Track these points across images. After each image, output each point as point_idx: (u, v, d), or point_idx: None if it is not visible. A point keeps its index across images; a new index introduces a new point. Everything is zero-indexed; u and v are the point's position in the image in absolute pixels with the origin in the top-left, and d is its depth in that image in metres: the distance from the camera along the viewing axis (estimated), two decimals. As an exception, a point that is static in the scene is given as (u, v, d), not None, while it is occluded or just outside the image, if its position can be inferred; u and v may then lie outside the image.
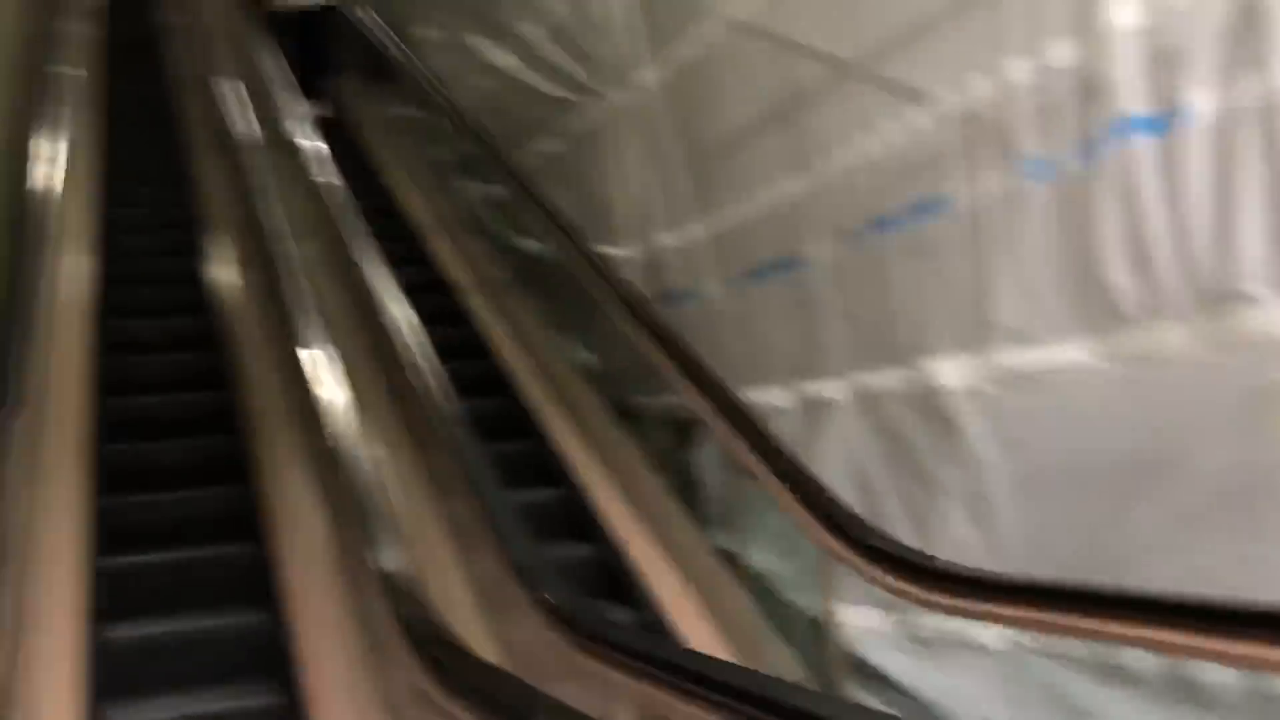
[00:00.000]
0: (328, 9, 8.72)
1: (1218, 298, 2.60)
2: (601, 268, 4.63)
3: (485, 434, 3.76)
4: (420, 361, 4.07)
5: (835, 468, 3.63)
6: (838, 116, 3.67)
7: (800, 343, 3.99)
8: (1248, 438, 2.53)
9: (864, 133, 3.53)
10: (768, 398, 4.07)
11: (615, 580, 3.75)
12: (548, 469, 4.31)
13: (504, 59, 6.20)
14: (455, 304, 5.59)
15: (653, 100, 4.84)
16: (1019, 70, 3.01)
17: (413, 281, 4.99)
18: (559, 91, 5.65)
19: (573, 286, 4.82)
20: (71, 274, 4.74)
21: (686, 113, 4.63)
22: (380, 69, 8.02)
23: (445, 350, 4.24)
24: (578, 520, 4.03)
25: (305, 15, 8.78)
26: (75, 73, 6.13)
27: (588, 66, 5.36)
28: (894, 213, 3.44)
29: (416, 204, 6.71)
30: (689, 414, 4.13)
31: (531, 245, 5.60)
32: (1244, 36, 2.53)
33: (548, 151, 5.85)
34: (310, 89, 7.47)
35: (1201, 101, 2.59)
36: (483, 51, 6.42)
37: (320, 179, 5.57)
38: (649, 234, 4.90)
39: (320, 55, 8.65)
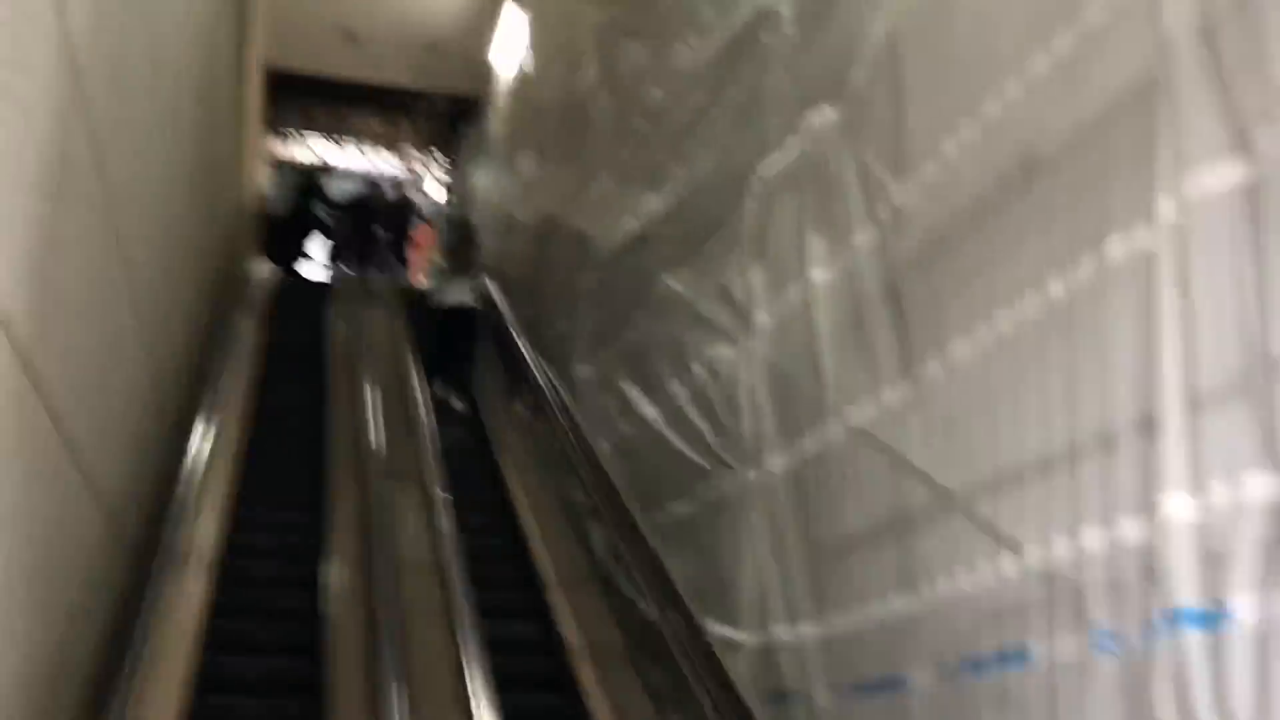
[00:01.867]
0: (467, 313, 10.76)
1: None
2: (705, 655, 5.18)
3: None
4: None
5: None
6: (941, 545, 4.14)
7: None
8: None
9: (964, 568, 3.99)
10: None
11: None
12: None
13: (650, 411, 6.89)
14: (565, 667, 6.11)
15: (779, 487, 5.40)
16: (1094, 539, 3.41)
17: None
18: (695, 455, 6.26)
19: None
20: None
21: (808, 506, 5.15)
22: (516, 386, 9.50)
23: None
24: None
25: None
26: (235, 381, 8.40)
27: (724, 438, 5.97)
28: (984, 657, 3.84)
29: (541, 551, 7.35)
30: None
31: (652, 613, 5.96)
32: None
33: (679, 514, 6.41)
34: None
35: (1244, 608, 3.01)
36: (633, 400, 7.14)
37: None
38: (766, 623, 5.37)
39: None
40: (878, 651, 4.55)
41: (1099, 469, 3.48)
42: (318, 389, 9.01)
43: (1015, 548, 3.80)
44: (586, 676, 5.85)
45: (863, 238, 4.98)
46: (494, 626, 5.89)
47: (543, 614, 6.63)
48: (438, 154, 20.67)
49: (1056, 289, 3.76)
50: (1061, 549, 3.60)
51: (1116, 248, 3.52)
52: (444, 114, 18.55)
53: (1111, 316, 3.52)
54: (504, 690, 5.17)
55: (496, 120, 14.61)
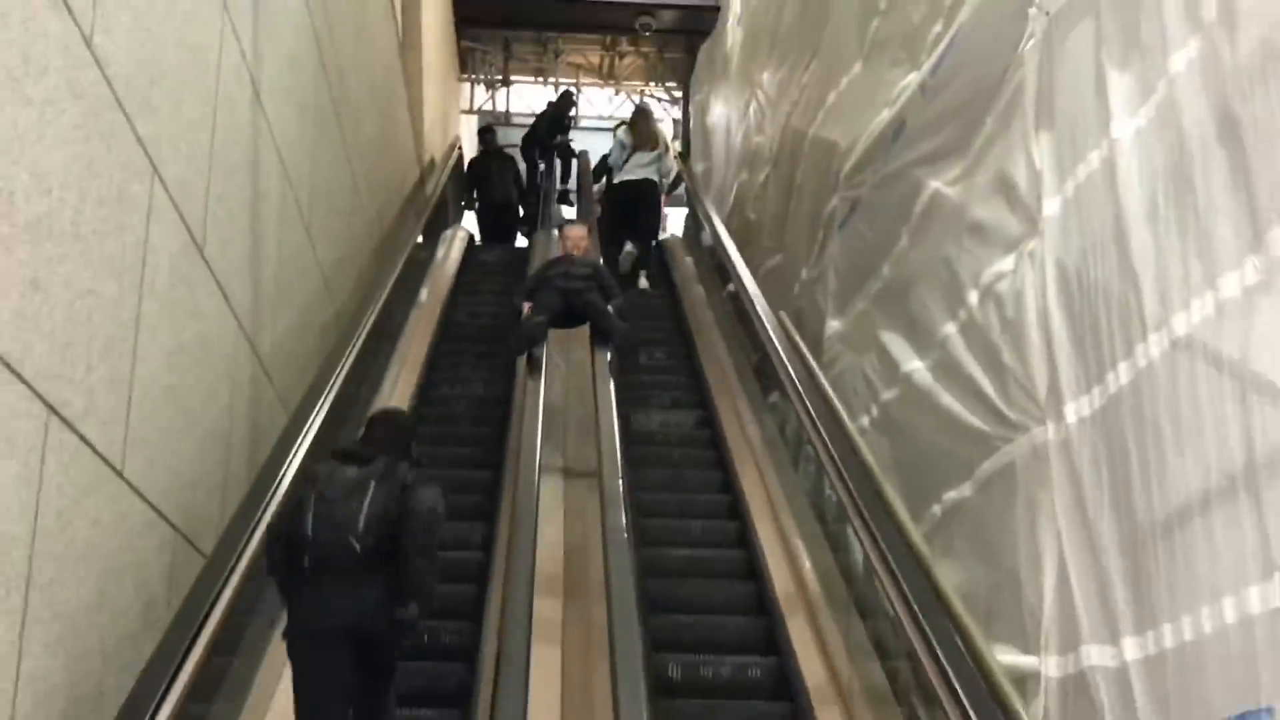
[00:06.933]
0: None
1: None
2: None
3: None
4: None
5: None
6: None
7: None
8: None
9: None
10: None
11: None
12: None
13: (916, 365, 6.28)
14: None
15: (1082, 444, 4.61)
16: None
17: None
18: (972, 417, 5.52)
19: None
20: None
21: (1123, 467, 4.32)
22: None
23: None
24: None
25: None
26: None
27: (1008, 387, 5.22)
28: None
29: (782, 562, 6.81)
30: None
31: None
32: None
33: (953, 502, 5.68)
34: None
35: None
36: (895, 355, 6.56)
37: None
38: (1073, 644, 4.54)
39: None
40: (1230, 673, 3.62)
41: None
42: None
43: None
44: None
45: (1183, 56, 4.12)
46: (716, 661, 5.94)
47: (775, 647, 6.09)
48: (669, 88, 20.41)
49: None
50: None
51: None
52: (675, 31, 18.08)
53: None
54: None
55: (732, 31, 14.00)
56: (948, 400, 5.77)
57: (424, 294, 10.82)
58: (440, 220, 12.92)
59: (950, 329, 5.85)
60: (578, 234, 9.13)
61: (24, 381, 3.46)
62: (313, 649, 4.61)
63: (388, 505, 4.66)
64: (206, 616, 4.48)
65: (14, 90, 3.37)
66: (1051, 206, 5.00)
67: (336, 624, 4.57)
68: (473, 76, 20.53)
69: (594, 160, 14.64)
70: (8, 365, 3.35)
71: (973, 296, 5.63)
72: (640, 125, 12.82)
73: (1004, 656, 4.68)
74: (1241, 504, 3.61)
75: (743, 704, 5.67)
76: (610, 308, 8.56)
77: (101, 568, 4.13)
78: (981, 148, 5.75)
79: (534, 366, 8.27)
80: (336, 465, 4.84)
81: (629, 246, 12.96)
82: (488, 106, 21.60)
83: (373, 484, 4.70)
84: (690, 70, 17.99)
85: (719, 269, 11.29)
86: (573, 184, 16.53)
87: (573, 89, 19.16)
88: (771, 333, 8.16)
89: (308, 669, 4.63)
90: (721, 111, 14.28)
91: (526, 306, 8.51)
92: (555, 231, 11.96)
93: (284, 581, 4.72)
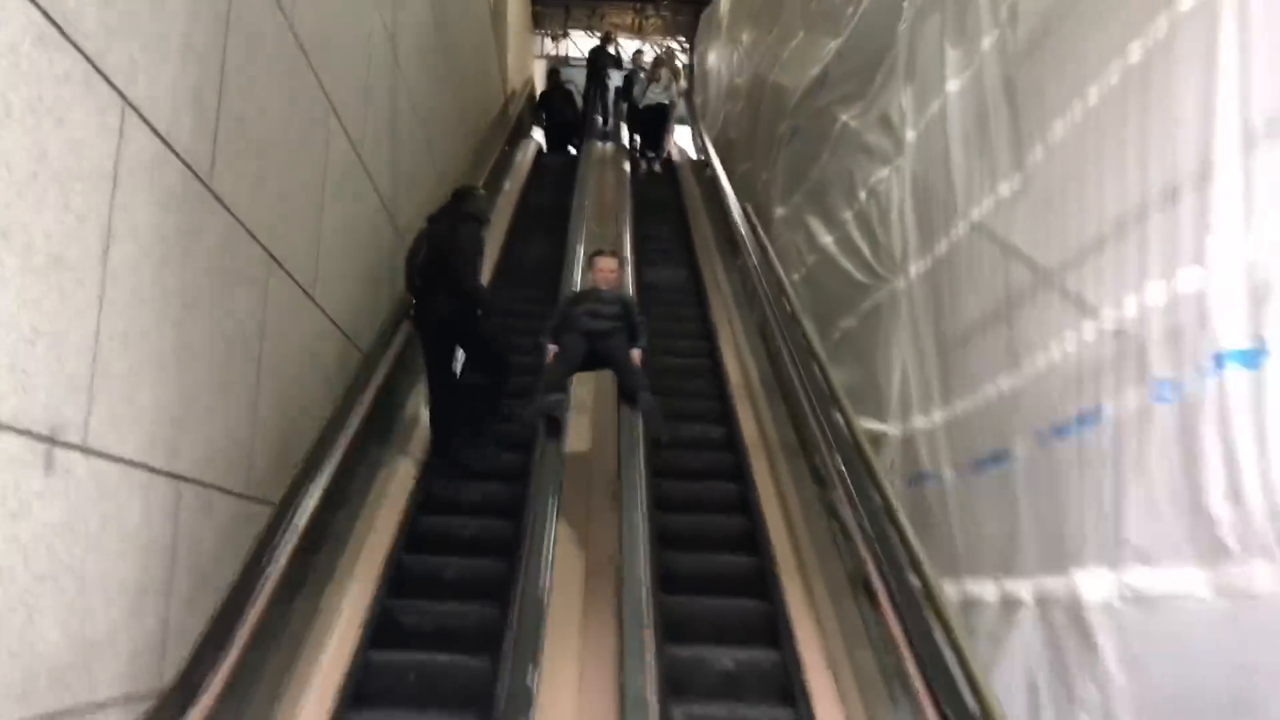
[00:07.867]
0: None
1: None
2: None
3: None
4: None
5: (1014, 676, 3.56)
6: (1039, 322, 3.77)
7: (1004, 538, 3.89)
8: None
9: (1055, 340, 3.62)
10: (977, 589, 4.03)
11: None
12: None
13: (827, 240, 6.75)
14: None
15: (918, 290, 5.12)
16: (1156, 293, 3.00)
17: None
18: (858, 273, 6.04)
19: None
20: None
21: (939, 304, 4.83)
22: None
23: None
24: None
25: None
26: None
27: (879, 253, 5.74)
28: (1068, 421, 3.47)
29: (735, 365, 7.27)
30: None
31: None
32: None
33: (844, 328, 6.23)
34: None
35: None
36: (815, 232, 7.02)
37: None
38: (907, 415, 5.11)
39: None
40: (989, 429, 4.22)
41: (1164, 222, 3.06)
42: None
43: (1094, 312, 3.40)
44: (759, 466, 5.85)
45: (988, 40, 4.56)
46: (687, 427, 6.33)
47: (727, 418, 6.60)
48: (681, 41, 21.22)
49: (1135, 52, 3.30)
50: (1130, 307, 3.21)
51: (1186, -1, 3.03)
52: (685, 1, 18.89)
53: (1180, 66, 3.06)
54: (692, 480, 5.78)
55: (723, 4, 14.31)
56: (845, 263, 6.29)
57: (507, 184, 11.17)
58: (518, 134, 13.32)
59: (848, 215, 6.34)
60: (608, 266, 6.18)
61: (257, 241, 3.95)
62: (425, 333, 5.84)
63: (456, 249, 5.79)
64: (364, 388, 5.16)
65: (249, 59, 3.83)
66: (910, 136, 5.46)
67: (434, 319, 5.78)
68: (542, 32, 21.42)
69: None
70: (246, 228, 3.86)
71: (862, 195, 6.11)
72: (651, 68, 13.49)
73: (867, 424, 5.26)
74: (1001, 326, 4.16)
75: (706, 453, 6.20)
76: (636, 349, 5.81)
77: (299, 355, 4.60)
78: (873, 94, 6.15)
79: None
80: (433, 224, 6.01)
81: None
82: (552, 52, 22.07)
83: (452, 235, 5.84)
84: (695, 29, 18.53)
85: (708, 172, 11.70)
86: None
87: (609, 31, 19.25)
88: (738, 216, 8.68)
89: (425, 344, 5.88)
90: (715, 60, 14.60)
91: (551, 350, 5.77)
92: (598, 144, 13.02)
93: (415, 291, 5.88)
